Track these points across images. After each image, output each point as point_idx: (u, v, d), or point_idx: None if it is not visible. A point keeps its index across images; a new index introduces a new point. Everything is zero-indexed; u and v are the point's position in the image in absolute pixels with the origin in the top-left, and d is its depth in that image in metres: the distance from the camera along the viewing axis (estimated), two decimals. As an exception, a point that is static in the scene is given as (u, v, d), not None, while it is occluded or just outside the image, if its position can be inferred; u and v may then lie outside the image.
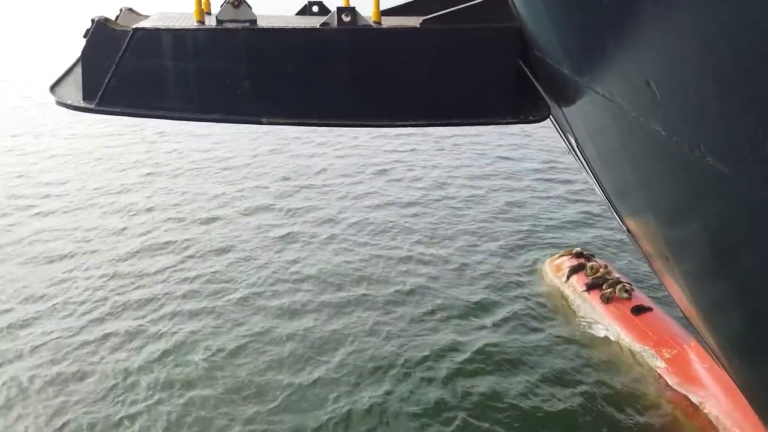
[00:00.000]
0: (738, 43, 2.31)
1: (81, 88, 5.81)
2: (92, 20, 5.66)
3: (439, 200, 18.13)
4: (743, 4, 2.20)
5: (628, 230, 5.66)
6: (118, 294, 12.80)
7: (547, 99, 5.66)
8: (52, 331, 11.38)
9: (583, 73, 4.20)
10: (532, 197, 18.21)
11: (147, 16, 6.67)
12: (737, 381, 4.62)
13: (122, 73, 5.59)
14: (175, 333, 11.35)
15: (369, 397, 9.60)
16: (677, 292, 4.65)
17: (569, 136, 5.75)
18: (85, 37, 5.74)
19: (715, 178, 2.66)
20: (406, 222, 16.45)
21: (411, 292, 12.79)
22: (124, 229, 16.16)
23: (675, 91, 2.88)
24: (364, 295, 12.72)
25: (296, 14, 7.11)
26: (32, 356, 10.67)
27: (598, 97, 4.03)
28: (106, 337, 11.24)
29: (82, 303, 12.45)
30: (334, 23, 5.52)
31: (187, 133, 25.23)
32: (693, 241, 3.46)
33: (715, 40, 2.45)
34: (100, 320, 11.82)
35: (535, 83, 5.61)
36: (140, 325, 11.62)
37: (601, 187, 5.57)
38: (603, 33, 3.52)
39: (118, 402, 9.56)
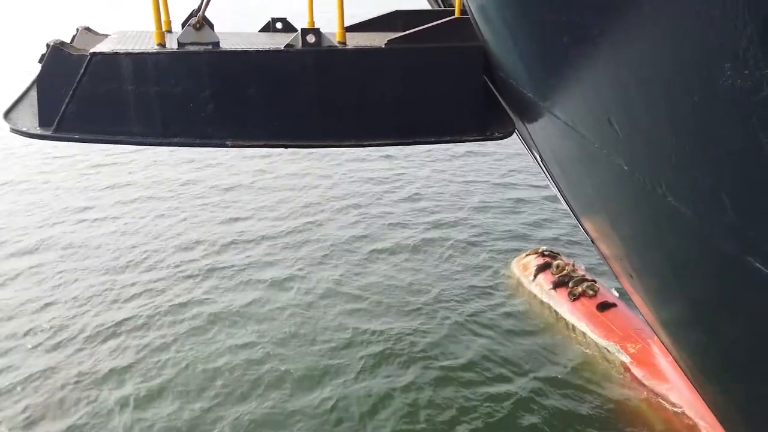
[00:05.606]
0: (694, 90, 2.39)
1: (36, 114, 5.63)
2: (47, 45, 5.48)
3: (397, 205, 17.85)
4: (697, 60, 2.28)
5: (593, 241, 5.80)
6: (75, 352, 10.91)
7: (512, 116, 5.74)
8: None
9: (545, 99, 4.27)
10: (494, 201, 18.31)
11: (105, 36, 6.49)
12: (688, 375, 4.74)
13: (80, 98, 5.43)
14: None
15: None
16: (642, 304, 4.80)
17: (534, 151, 5.85)
18: (40, 62, 5.55)
19: (675, 218, 2.74)
20: (367, 229, 16.25)
21: (380, 288, 12.86)
22: (91, 266, 14.24)
23: (636, 130, 2.95)
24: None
25: (260, 31, 7.03)
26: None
27: (560, 123, 4.10)
28: (75, 404, 9.64)
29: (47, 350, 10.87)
30: (299, 45, 5.48)
31: (159, 161, 22.43)
32: (654, 266, 3.58)
33: (673, 86, 2.52)
34: (63, 384, 10.16)
35: (501, 100, 5.69)
36: (98, 399, 9.83)
37: (567, 202, 5.69)
38: (564, 66, 3.59)
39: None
